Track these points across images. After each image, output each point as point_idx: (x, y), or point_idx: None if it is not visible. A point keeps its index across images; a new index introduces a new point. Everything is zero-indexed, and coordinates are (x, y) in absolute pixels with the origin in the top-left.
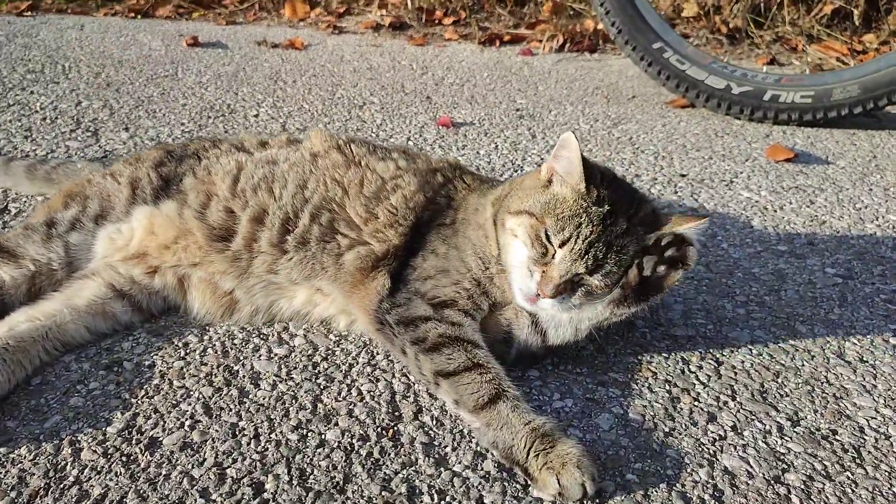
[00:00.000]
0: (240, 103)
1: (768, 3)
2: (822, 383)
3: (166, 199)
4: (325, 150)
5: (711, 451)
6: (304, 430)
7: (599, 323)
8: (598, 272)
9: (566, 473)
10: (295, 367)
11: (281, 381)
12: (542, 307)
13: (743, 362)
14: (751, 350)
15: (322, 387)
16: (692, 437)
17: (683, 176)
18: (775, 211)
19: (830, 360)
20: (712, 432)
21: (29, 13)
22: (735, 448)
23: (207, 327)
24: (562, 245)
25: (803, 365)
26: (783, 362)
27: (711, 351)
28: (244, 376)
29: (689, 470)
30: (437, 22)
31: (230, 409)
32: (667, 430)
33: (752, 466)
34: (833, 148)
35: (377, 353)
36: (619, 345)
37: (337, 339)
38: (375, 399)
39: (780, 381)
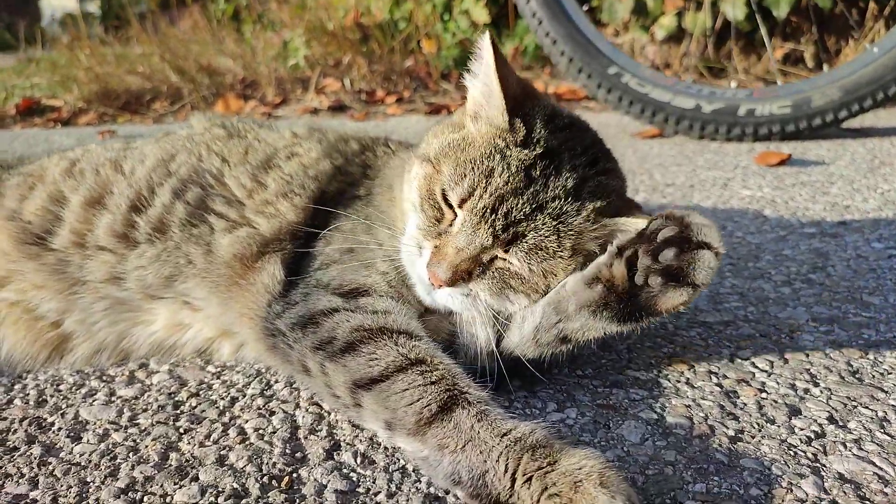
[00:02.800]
0: None
1: (718, 55)
2: None
3: None
4: (205, 129)
5: (811, 455)
6: (138, 494)
7: (571, 333)
8: (517, 245)
9: (585, 499)
10: (145, 410)
11: (117, 430)
12: (438, 301)
13: (812, 341)
14: (816, 328)
15: (183, 430)
16: (774, 439)
17: (669, 185)
18: (786, 202)
19: None
20: (801, 430)
21: None
22: (845, 446)
23: (25, 374)
24: (462, 203)
25: (895, 336)
26: (866, 336)
27: (763, 334)
28: (60, 429)
29: (784, 484)
30: (379, 101)
31: (20, 476)
32: (731, 433)
33: (880, 467)
34: (826, 154)
35: (276, 381)
36: (632, 339)
37: (218, 370)
38: (266, 438)
39: (872, 357)
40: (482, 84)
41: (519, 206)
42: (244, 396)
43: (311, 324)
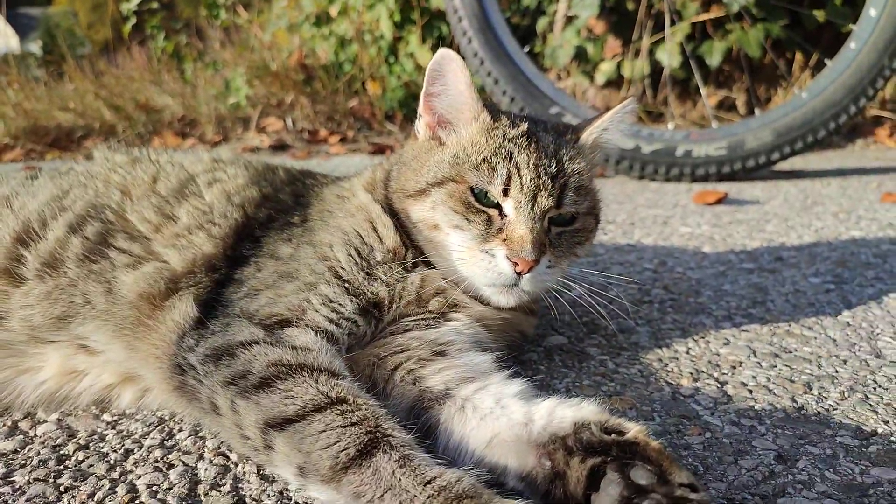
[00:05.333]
0: None
1: (656, 100)
2: (876, 388)
3: None
4: (106, 158)
5: (758, 499)
6: None
7: None
8: (566, 195)
9: None
10: (23, 465)
11: None
12: (528, 288)
13: (754, 378)
14: (758, 364)
15: (64, 489)
16: (722, 482)
17: (611, 222)
18: (724, 239)
19: (870, 362)
20: (749, 471)
21: None
22: (794, 488)
23: None
24: (506, 192)
25: (837, 371)
26: (809, 371)
27: (705, 371)
28: None
29: None
30: (322, 141)
31: None
32: None
33: None
34: (760, 194)
35: (179, 430)
36: (571, 377)
37: (115, 418)
38: (159, 496)
39: (815, 392)
40: (451, 98)
41: (546, 166)
42: (140, 448)
43: (226, 355)
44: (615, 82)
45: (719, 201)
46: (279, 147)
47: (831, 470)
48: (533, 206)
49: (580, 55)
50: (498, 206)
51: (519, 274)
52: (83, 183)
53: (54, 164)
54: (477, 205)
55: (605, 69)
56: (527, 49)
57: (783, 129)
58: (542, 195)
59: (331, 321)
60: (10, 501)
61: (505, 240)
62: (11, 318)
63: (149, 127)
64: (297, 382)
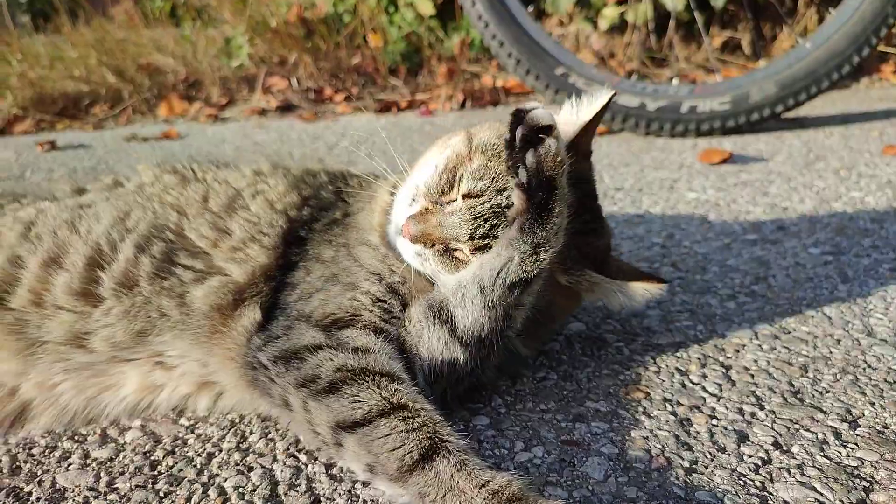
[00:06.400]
0: None
1: (660, 44)
2: (865, 369)
3: None
4: (155, 178)
5: (759, 483)
6: None
7: (509, 276)
8: (482, 250)
9: None
10: (122, 473)
11: (97, 497)
12: (397, 245)
13: (756, 361)
14: (760, 346)
15: (164, 494)
16: (725, 469)
17: (619, 189)
18: (728, 205)
19: (861, 341)
20: (749, 457)
21: None
22: (789, 472)
23: None
24: (466, 197)
25: (831, 352)
26: (806, 353)
27: (711, 355)
28: (39, 499)
29: None
30: (327, 100)
31: None
32: (687, 464)
33: (821, 493)
34: (765, 149)
35: (251, 433)
36: (591, 367)
37: (191, 423)
38: (247, 497)
39: (811, 375)
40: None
41: (500, 225)
42: (220, 451)
43: (295, 359)
44: (619, 27)
45: (724, 161)
46: (286, 108)
47: (821, 454)
48: (461, 225)
49: (582, 1)
50: (457, 197)
51: (401, 231)
52: (141, 204)
53: (66, 134)
54: (454, 177)
55: (609, 15)
56: (530, 8)
57: (787, 81)
58: (468, 229)
59: (384, 320)
60: None
61: (426, 209)
62: (94, 338)
63: (154, 91)
64: (362, 388)
